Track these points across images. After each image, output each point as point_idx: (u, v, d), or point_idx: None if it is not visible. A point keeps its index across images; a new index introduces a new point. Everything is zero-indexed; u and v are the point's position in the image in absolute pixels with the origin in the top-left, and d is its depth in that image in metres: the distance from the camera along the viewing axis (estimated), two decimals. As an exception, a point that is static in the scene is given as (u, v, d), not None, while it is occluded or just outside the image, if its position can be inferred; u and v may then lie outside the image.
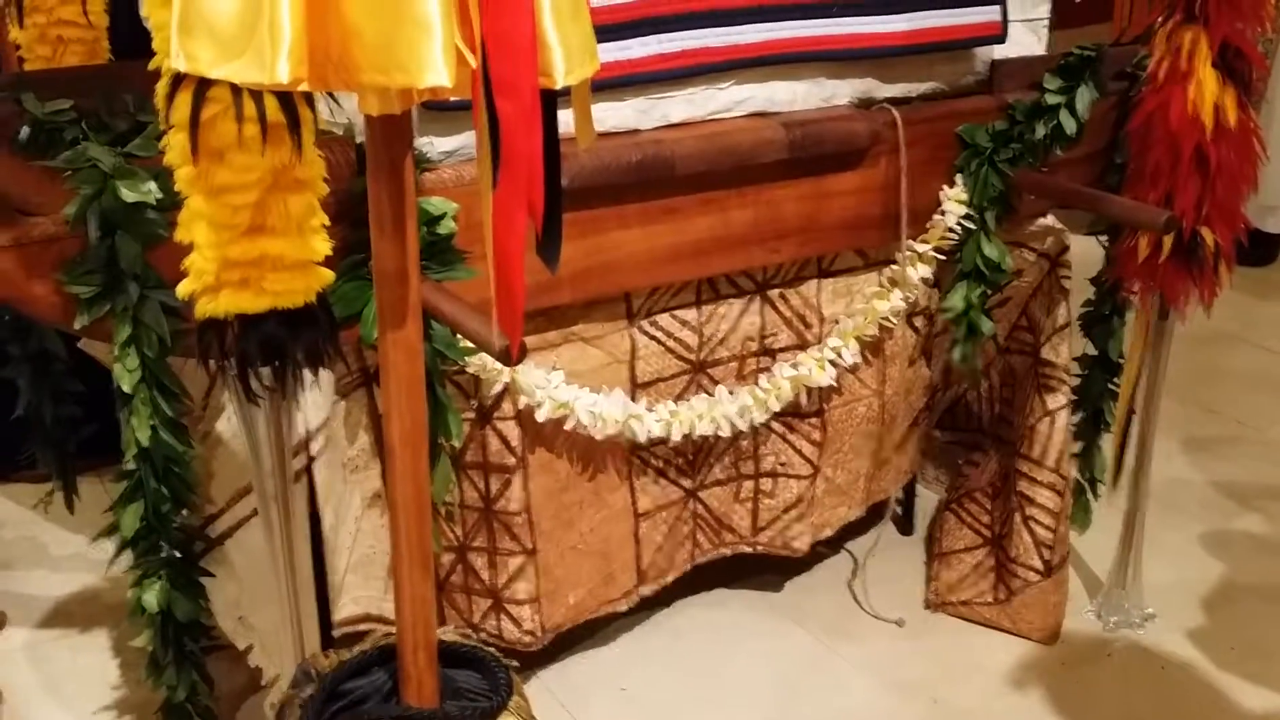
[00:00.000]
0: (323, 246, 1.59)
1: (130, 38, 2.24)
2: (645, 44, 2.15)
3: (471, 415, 2.20)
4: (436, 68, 0.93)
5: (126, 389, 1.82)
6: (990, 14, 2.43)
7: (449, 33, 0.93)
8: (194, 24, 0.97)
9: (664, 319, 2.40)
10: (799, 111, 2.37)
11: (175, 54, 0.98)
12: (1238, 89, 2.25)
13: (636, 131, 2.23)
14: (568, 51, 1.04)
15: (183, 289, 1.59)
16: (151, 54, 1.47)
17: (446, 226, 1.96)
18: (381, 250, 1.21)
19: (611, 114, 2.19)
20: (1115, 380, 2.81)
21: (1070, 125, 2.47)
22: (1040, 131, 2.47)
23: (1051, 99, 2.48)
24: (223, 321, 1.58)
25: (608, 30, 2.10)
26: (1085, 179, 2.60)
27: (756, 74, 2.31)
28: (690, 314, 2.43)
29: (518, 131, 0.99)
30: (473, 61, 0.98)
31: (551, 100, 1.06)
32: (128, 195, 1.69)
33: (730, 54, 2.24)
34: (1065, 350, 2.73)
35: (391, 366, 1.28)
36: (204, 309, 1.57)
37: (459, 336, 1.97)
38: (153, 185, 1.71)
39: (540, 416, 2.22)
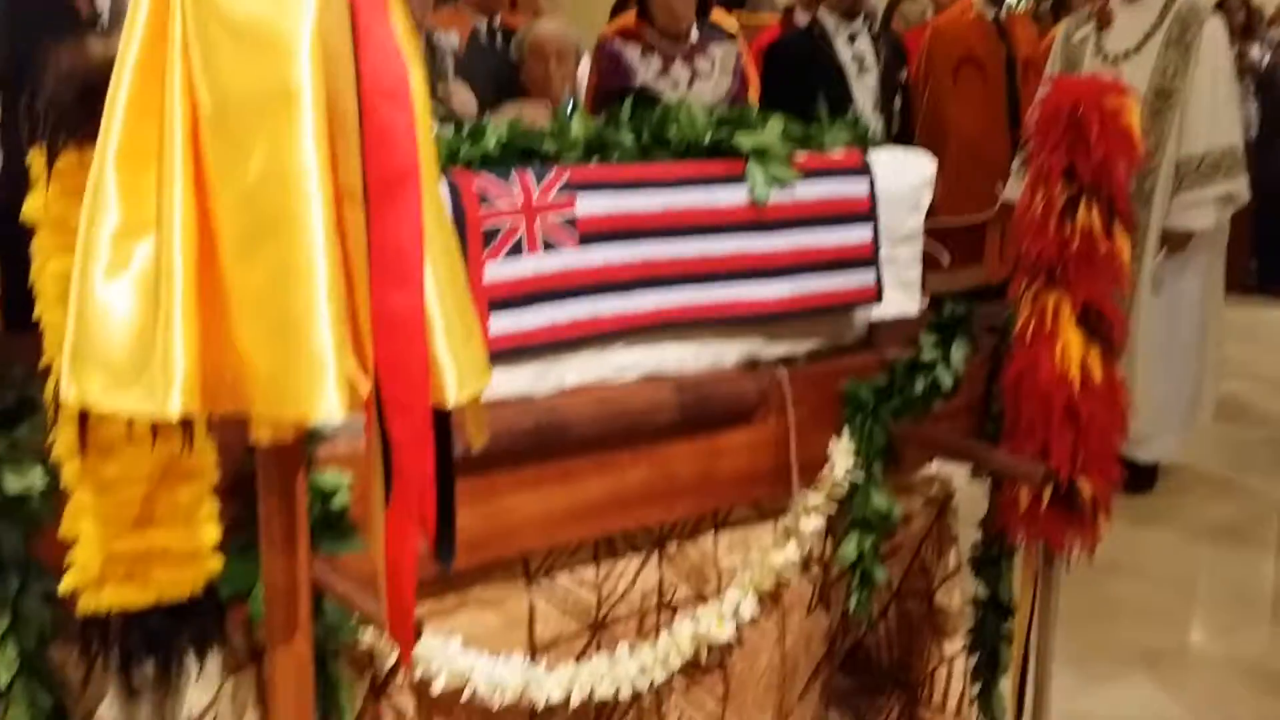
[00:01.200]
0: (212, 535, 1.56)
1: (23, 307, 2.23)
2: (539, 314, 2.20)
3: (365, 688, 2.13)
4: (330, 402, 0.94)
5: (3, 681, 1.73)
6: (866, 278, 2.54)
7: (342, 365, 0.95)
8: (86, 354, 0.97)
9: (562, 579, 2.38)
10: (689, 374, 2.42)
11: (66, 383, 0.98)
12: (1102, 347, 2.36)
13: (531, 397, 2.25)
14: (460, 370, 1.06)
15: (65, 584, 1.54)
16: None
17: (340, 500, 1.94)
18: (271, 566, 1.19)
19: (507, 381, 2.22)
20: (1008, 622, 2.84)
21: (947, 380, 2.56)
22: (919, 386, 2.56)
23: (928, 355, 2.58)
24: (106, 616, 1.53)
25: (503, 303, 2.16)
26: (965, 429, 2.69)
27: (647, 338, 2.37)
28: (588, 572, 2.41)
29: (410, 451, 1.00)
30: (365, 389, 0.99)
31: (444, 416, 1.07)
32: (11, 485, 1.65)
33: (622, 322, 2.30)
34: (958, 595, 2.76)
35: (279, 677, 1.25)
36: (87, 604, 1.52)
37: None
38: (38, 475, 1.67)
39: (437, 688, 2.16)
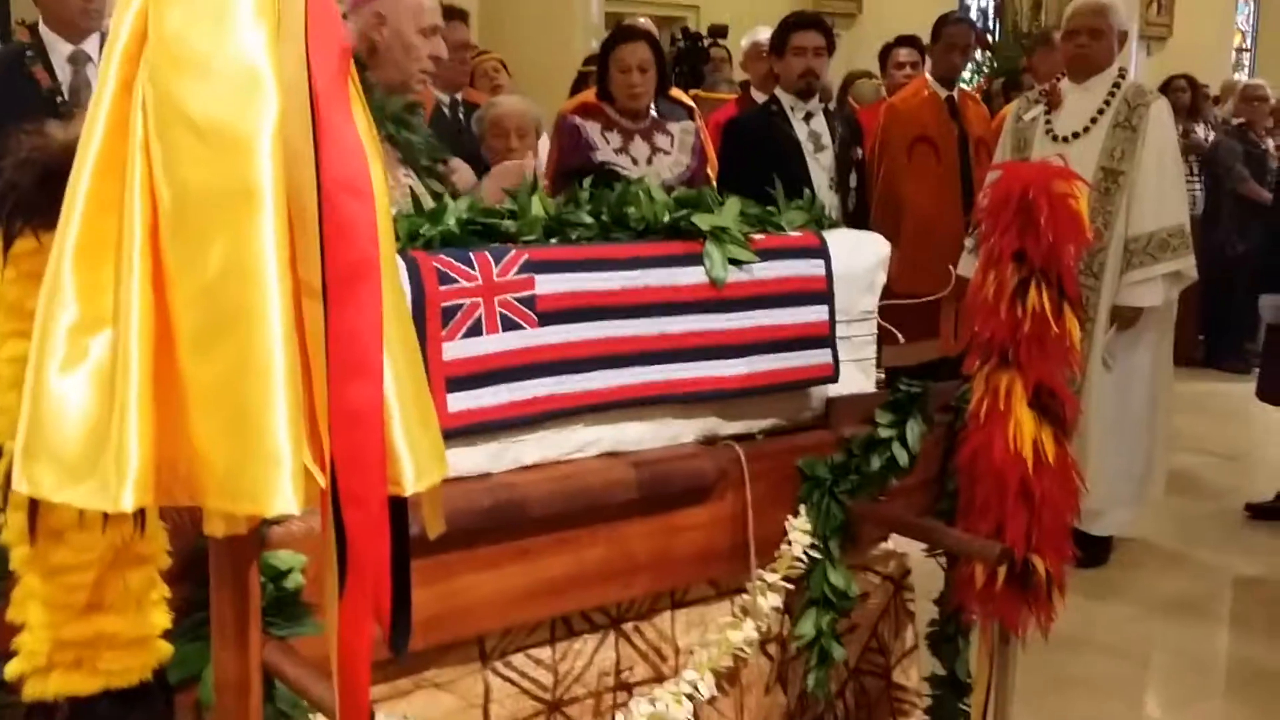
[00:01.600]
0: (161, 620, 1.53)
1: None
2: (497, 393, 2.20)
3: (317, 773, 2.09)
4: (285, 498, 0.94)
5: (-57, 768, 1.69)
6: (823, 356, 2.56)
7: (299, 460, 0.95)
8: (38, 448, 0.96)
9: (518, 659, 2.35)
10: (647, 450, 2.43)
11: (17, 477, 0.97)
12: (1054, 427, 2.39)
13: (489, 475, 2.25)
14: (417, 459, 1.06)
15: (11, 670, 1.50)
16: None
17: (294, 581, 1.92)
18: (222, 659, 1.18)
19: (464, 459, 2.21)
20: (966, 700, 2.84)
21: (903, 457, 2.58)
22: (876, 464, 2.58)
23: (884, 433, 2.60)
24: (53, 703, 1.50)
25: (459, 381, 2.16)
26: (921, 505, 2.70)
27: (605, 416, 2.37)
28: (544, 652, 2.39)
29: (365, 542, 0.99)
30: (322, 481, 0.99)
31: (401, 506, 1.07)
32: (-43, 569, 1.62)
33: (580, 400, 2.31)
34: (915, 672, 2.76)
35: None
36: (33, 691, 1.49)
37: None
38: (-15, 558, 1.64)
39: (390, 772, 2.13)
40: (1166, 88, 8.87)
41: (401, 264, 2.08)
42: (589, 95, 4.62)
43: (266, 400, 0.93)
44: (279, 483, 0.94)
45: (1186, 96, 8.78)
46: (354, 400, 0.97)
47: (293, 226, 0.95)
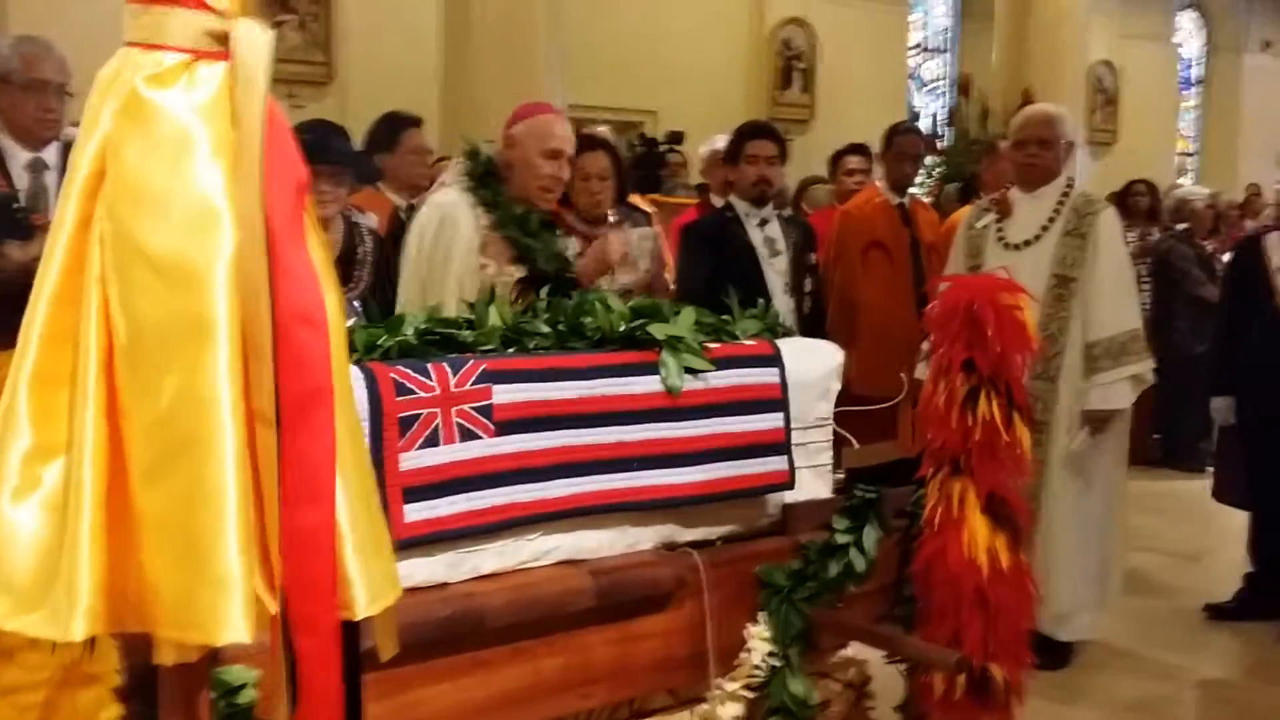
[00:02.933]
0: (111, 741, 1.51)
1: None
2: (454, 502, 2.20)
3: None
4: (235, 626, 0.94)
5: None
6: (779, 464, 2.58)
7: (249, 588, 0.95)
8: (-12, 576, 0.96)
9: (475, 772, 2.32)
10: (605, 558, 2.43)
11: (-34, 605, 0.97)
12: (1007, 534, 2.42)
13: (446, 585, 2.24)
14: (369, 584, 1.06)
15: (-46, 795, 1.48)
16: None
17: (246, 696, 1.89)
18: (170, 787, 1.16)
19: (421, 569, 2.20)
20: (930, 810, 2.81)
21: (860, 563, 2.59)
22: (834, 570, 2.59)
23: (841, 538, 2.61)
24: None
25: (416, 491, 2.16)
26: (879, 611, 2.71)
27: (564, 525, 2.38)
28: (502, 765, 2.35)
29: (316, 667, 0.99)
30: (272, 607, 0.99)
31: (353, 630, 1.07)
32: (-99, 691, 1.59)
33: (537, 508, 2.31)
34: (877, 782, 2.74)
35: None
36: (-24, 816, 1.46)
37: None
38: (-70, 679, 1.61)
39: None
40: (1127, 192, 9.06)
41: (359, 375, 2.09)
42: (550, 200, 4.68)
43: (217, 528, 0.93)
44: (229, 611, 0.94)
45: (1146, 201, 8.95)
46: (306, 526, 0.98)
47: (247, 357, 0.97)
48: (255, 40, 0.98)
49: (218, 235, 0.96)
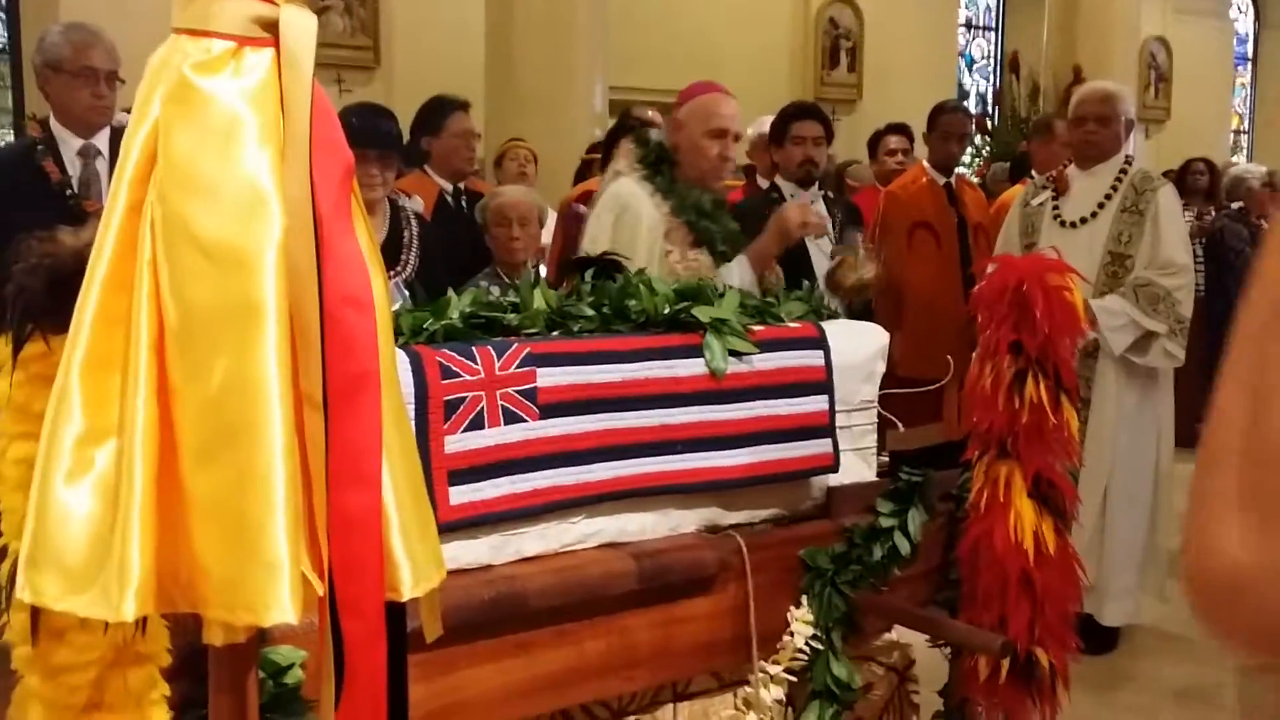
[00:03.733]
0: (161, 718, 1.54)
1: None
2: (498, 485, 2.22)
3: None
4: (284, 607, 0.95)
5: None
6: (823, 446, 2.58)
7: (297, 570, 0.96)
8: (42, 558, 0.98)
9: (519, 753, 2.34)
10: (648, 541, 2.43)
11: (21, 585, 0.99)
12: (1054, 517, 2.40)
13: (490, 567, 2.25)
14: (415, 566, 1.07)
15: (10, 770, 1.50)
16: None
17: (294, 676, 1.92)
18: (220, 766, 1.18)
19: (465, 551, 2.22)
20: (973, 793, 2.80)
21: (905, 546, 2.58)
22: (878, 553, 2.58)
23: (885, 522, 2.60)
24: (50, 803, 1.50)
25: (461, 474, 2.17)
26: (923, 595, 2.70)
27: (606, 508, 2.38)
28: (546, 747, 2.37)
29: (362, 649, 1.01)
30: (320, 588, 1.00)
31: (399, 612, 1.08)
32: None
33: (581, 490, 2.32)
34: (921, 765, 2.73)
35: None
36: (31, 791, 1.49)
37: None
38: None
39: None
40: (1185, 171, 8.93)
41: (405, 359, 2.10)
42: (592, 184, 4.69)
43: (266, 510, 0.95)
44: (277, 592, 0.95)
45: (1204, 180, 8.81)
46: (353, 508, 0.99)
47: (295, 341, 0.98)
48: (301, 26, 0.99)
49: (267, 220, 0.97)
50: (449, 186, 5.03)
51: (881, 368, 2.73)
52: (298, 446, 0.98)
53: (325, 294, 0.97)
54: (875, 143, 6.64)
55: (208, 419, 0.97)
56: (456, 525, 2.16)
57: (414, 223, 3.83)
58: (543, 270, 4.59)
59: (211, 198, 0.97)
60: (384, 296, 1.04)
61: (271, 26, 0.99)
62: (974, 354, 2.51)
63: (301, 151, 0.97)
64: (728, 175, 3.61)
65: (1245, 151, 17.32)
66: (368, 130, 3.33)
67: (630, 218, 3.38)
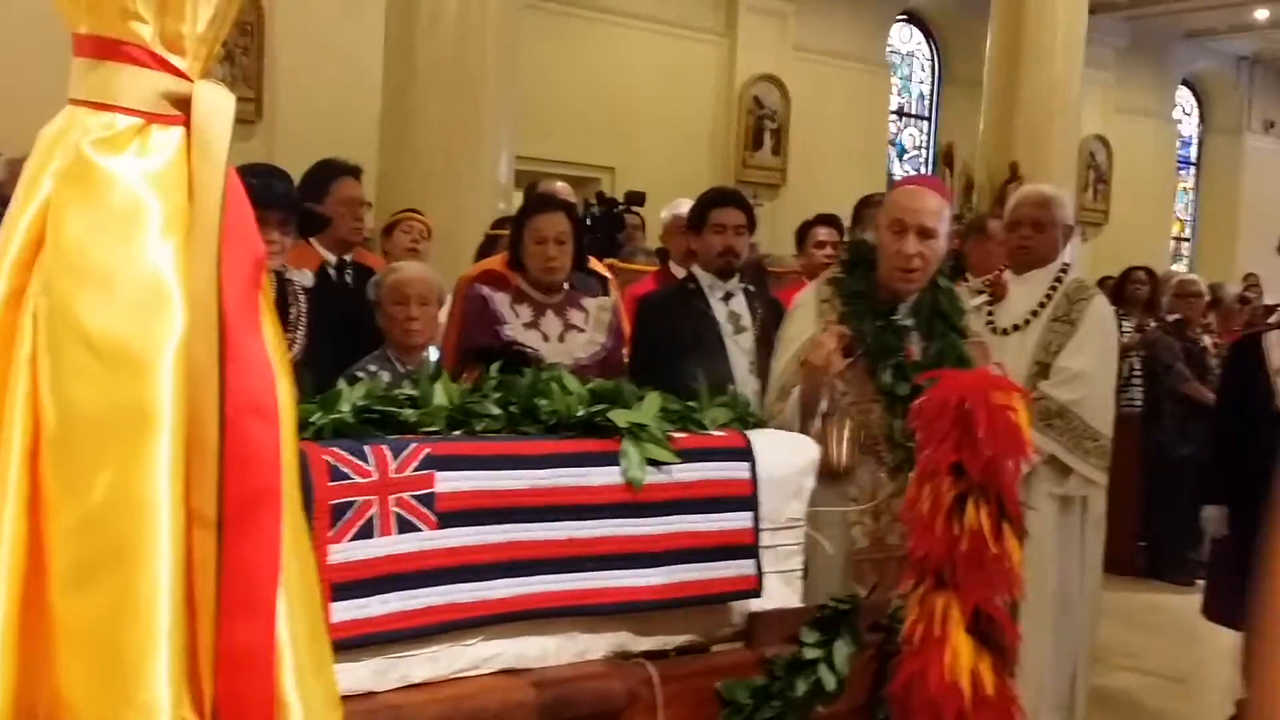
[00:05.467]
0: None
1: None
2: (385, 602, 2.18)
3: None
4: (160, 754, 0.92)
5: None
6: (746, 568, 2.58)
7: (178, 714, 0.93)
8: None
9: None
10: (551, 668, 2.40)
11: None
12: (993, 655, 2.42)
13: (372, 694, 2.20)
14: (308, 708, 1.04)
15: None
16: None
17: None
18: None
19: (345, 675, 2.15)
20: None
21: (830, 681, 2.58)
22: (801, 688, 2.57)
23: (810, 653, 2.60)
24: None
25: (345, 588, 2.13)
26: (849, 738, 2.69)
27: (506, 629, 2.35)
28: None
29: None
30: (202, 734, 0.97)
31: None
32: None
33: (478, 610, 2.29)
34: None
35: None
36: None
37: None
38: None
39: None
40: (1126, 279, 9.17)
41: (289, 456, 2.07)
42: (496, 262, 4.68)
43: (147, 643, 0.91)
44: (154, 739, 0.92)
45: (1145, 290, 9.02)
46: (244, 640, 0.96)
47: (190, 452, 0.95)
48: (217, 105, 0.98)
49: (167, 317, 0.95)
50: (333, 258, 4.98)
51: (810, 483, 2.75)
52: (186, 572, 0.95)
53: (227, 401, 0.95)
54: (803, 233, 6.75)
55: (85, 538, 0.93)
56: (337, 645, 2.09)
57: (302, 298, 3.79)
58: (434, 355, 4.54)
59: (105, 289, 0.95)
60: (289, 404, 1.02)
61: (183, 103, 0.98)
62: (910, 474, 2.54)
63: (210, 242, 0.96)
64: (912, 279, 3.41)
65: (1186, 260, 17.94)
66: (267, 191, 3.28)
67: (795, 315, 3.54)
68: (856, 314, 3.37)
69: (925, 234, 3.31)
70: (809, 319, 3.45)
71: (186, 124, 0.99)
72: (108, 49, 0.97)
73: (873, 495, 3.22)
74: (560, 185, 5.45)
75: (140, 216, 0.96)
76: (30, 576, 0.94)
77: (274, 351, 1.01)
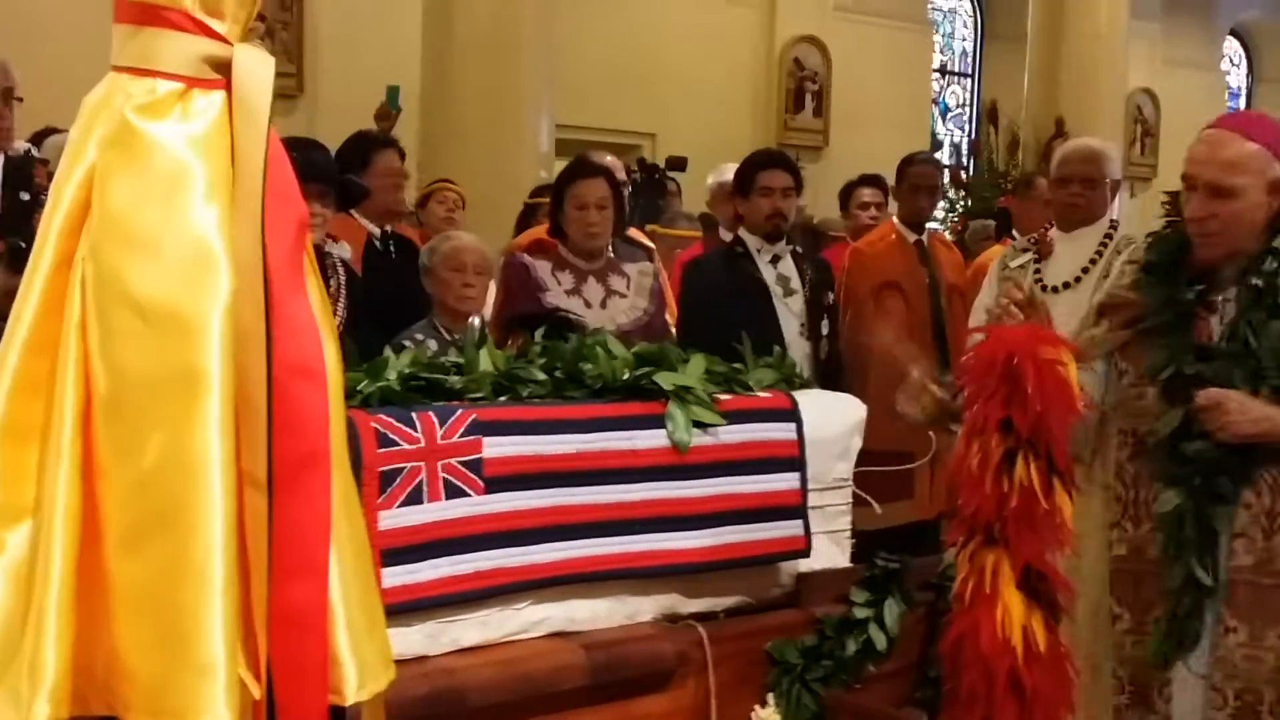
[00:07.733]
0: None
1: None
2: (436, 567, 2.20)
3: None
4: (217, 714, 0.93)
5: None
6: (793, 529, 2.58)
7: (234, 672, 0.94)
8: (-58, 652, 0.95)
9: None
10: (601, 631, 2.41)
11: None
12: (1045, 611, 2.40)
13: (425, 658, 2.22)
14: (361, 666, 1.05)
15: None
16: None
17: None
18: None
19: (397, 640, 2.16)
20: None
21: (881, 641, 2.58)
22: (851, 647, 2.58)
23: (860, 613, 2.60)
24: None
25: (395, 554, 2.14)
26: (900, 694, 2.69)
27: (555, 593, 2.37)
28: None
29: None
30: (257, 692, 0.98)
31: (340, 715, 1.06)
32: None
33: (526, 574, 2.30)
34: None
35: None
36: None
37: None
38: None
39: None
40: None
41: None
42: (538, 231, 4.68)
43: (201, 605, 0.93)
44: (210, 697, 0.93)
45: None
46: (297, 600, 0.97)
47: (239, 415, 0.96)
48: (257, 68, 0.98)
49: (213, 280, 0.96)
50: (377, 230, 5.00)
51: (858, 443, 2.75)
52: (238, 532, 0.96)
53: (275, 363, 0.96)
54: (847, 195, 6.70)
55: (139, 500, 0.94)
56: (389, 611, 2.11)
57: (341, 270, 3.81)
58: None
59: (152, 254, 0.96)
60: (336, 365, 1.03)
61: (223, 67, 0.99)
62: (959, 430, 2.52)
63: (254, 205, 0.96)
64: (1209, 242, 2.78)
65: (1235, 214, 17.63)
66: (306, 164, 3.29)
67: None
68: (1148, 281, 2.83)
69: (1217, 192, 2.73)
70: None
71: (227, 88, 1.00)
72: (148, 14, 0.98)
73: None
74: (611, 160, 5.42)
75: (184, 181, 0.97)
76: (86, 540, 0.96)
77: (319, 314, 1.02)
